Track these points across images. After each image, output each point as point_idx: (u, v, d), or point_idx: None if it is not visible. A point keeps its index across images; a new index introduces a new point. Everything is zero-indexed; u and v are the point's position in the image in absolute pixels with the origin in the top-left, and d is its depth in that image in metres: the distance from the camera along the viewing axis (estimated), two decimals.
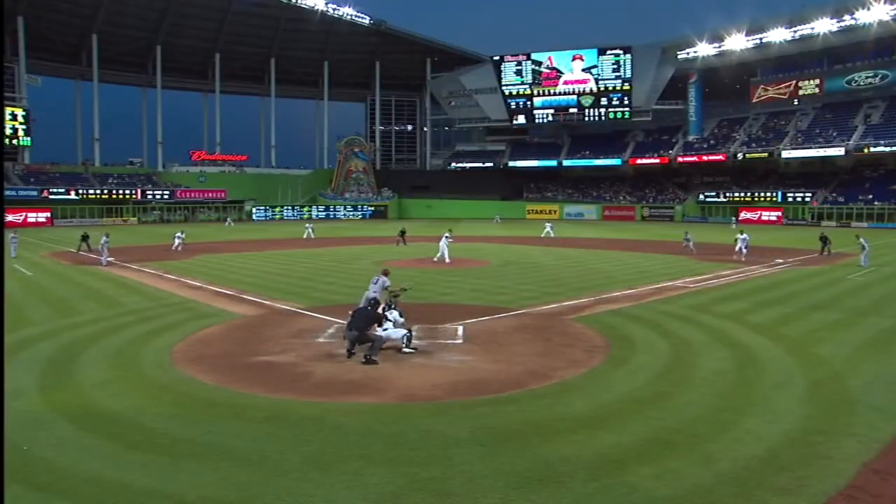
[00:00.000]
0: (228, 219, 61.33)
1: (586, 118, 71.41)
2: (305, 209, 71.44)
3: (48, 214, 55.72)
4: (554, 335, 10.39)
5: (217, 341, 10.29)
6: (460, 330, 10.84)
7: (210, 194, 68.91)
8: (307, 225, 38.99)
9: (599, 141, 74.34)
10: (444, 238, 24.39)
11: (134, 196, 62.07)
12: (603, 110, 70.48)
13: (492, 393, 7.27)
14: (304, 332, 10.90)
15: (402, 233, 32.35)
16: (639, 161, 69.67)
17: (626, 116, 69.92)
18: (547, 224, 40.86)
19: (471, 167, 78.31)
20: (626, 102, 69.45)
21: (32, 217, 54.34)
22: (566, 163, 73.92)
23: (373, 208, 75.01)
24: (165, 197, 64.68)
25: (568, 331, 10.74)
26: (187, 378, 8.16)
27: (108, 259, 22.45)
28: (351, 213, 74.92)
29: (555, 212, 72.05)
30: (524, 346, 9.63)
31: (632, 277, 18.31)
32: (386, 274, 11.88)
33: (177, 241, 27.97)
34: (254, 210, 70.37)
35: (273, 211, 72.33)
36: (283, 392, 7.46)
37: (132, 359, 9.14)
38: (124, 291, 15.77)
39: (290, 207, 73.59)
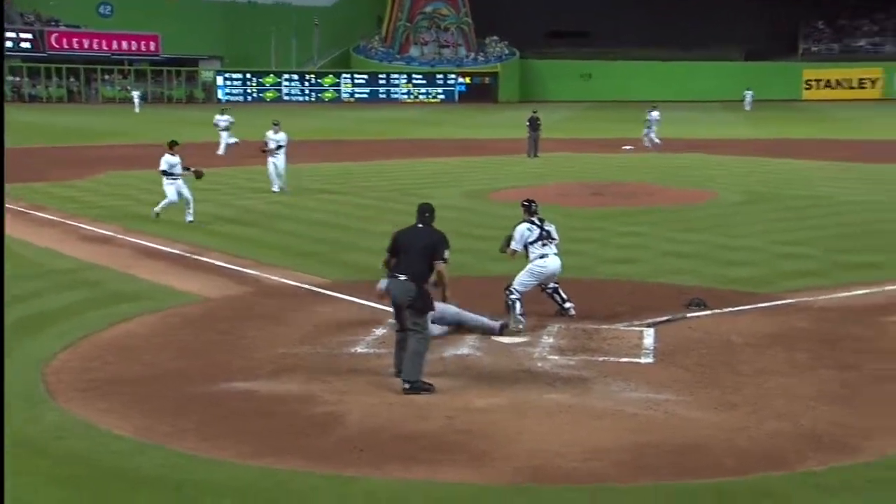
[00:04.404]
0: (135, 94, 63.55)
1: None
2: (327, 79, 70.48)
3: None
4: (864, 357, 10.11)
5: (147, 349, 10.33)
6: (649, 337, 10.80)
7: (125, 43, 72.64)
8: (220, 119, 35.29)
9: None
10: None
11: None
12: None
13: (720, 475, 7.06)
14: (325, 330, 11.09)
15: (534, 122, 33.72)
16: None
17: None
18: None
19: None
20: None
21: None
22: None
23: (466, 81, 74.58)
24: (28, 48, 69.63)
25: None
26: (82, 425, 8.11)
27: None
28: (422, 91, 74.72)
29: (874, 82, 69.46)
30: (792, 378, 9.45)
31: None
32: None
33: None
34: (220, 81, 73.06)
35: (259, 83, 74.19)
36: (281, 455, 7.42)
37: None
38: None
39: (295, 77, 74.89)
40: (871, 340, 10.52)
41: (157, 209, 18.34)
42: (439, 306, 9.59)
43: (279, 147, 23.22)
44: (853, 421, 7.99)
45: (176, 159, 18.07)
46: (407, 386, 8.71)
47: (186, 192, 18.15)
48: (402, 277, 8.86)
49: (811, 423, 7.92)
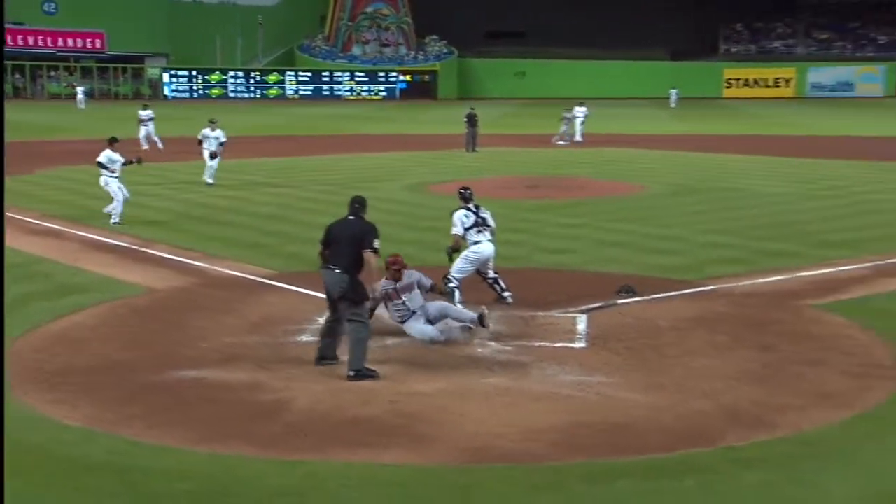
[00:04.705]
0: (79, 90, 61.53)
1: None
2: (271, 77, 70.03)
3: None
4: (779, 339, 10.18)
5: (95, 340, 10.16)
6: (582, 322, 10.76)
7: (70, 40, 71.07)
8: (142, 114, 34.03)
9: None
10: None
11: None
12: None
13: (647, 452, 7.07)
14: (272, 320, 10.90)
15: (472, 118, 33.66)
16: None
17: None
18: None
19: None
20: None
21: None
22: None
23: (407, 79, 74.22)
24: None
25: (811, 331, 10.60)
26: (30, 415, 7.97)
27: None
28: (364, 89, 74.10)
29: (787, 81, 70.46)
30: (714, 360, 9.46)
31: None
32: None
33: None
34: (166, 78, 71.36)
35: (205, 80, 72.79)
36: (228, 441, 7.29)
37: None
38: None
39: (240, 74, 73.73)
40: (786, 323, 10.68)
41: (115, 219, 17.16)
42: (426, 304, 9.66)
43: (221, 144, 23.06)
44: (770, 399, 8.12)
45: (117, 156, 17.44)
46: (352, 373, 8.62)
47: (125, 192, 17.35)
48: (335, 269, 8.74)
49: (732, 402, 8.02)
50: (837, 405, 7.98)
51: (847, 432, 7.38)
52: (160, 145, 32.43)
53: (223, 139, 23.14)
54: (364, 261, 8.66)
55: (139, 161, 18.63)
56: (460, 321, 9.96)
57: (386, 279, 9.72)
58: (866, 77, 78.63)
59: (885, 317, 10.78)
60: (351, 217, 9.07)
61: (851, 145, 35.70)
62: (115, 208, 17.18)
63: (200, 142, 23.44)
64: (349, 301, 8.71)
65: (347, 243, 8.78)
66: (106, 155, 17.32)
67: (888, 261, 14.05)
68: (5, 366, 8.74)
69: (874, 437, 7.30)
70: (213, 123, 23.41)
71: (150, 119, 33.25)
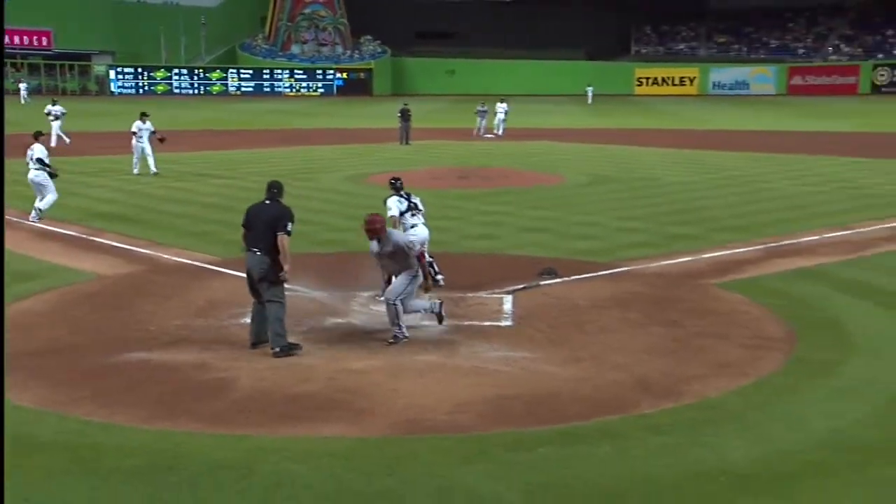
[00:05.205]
0: (23, 86, 59.27)
1: None
2: (214, 74, 69.02)
3: None
4: (685, 315, 10.22)
5: (44, 325, 9.90)
6: (508, 302, 10.70)
7: (17, 38, 68.73)
8: (51, 109, 32.37)
9: None
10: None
11: None
12: None
13: (567, 421, 7.11)
14: (217, 304, 10.68)
15: (405, 114, 33.55)
16: None
17: None
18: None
19: None
20: None
21: None
22: None
23: (344, 76, 73.26)
24: None
25: (713, 308, 10.62)
26: None
27: None
28: (304, 85, 72.90)
29: (692, 80, 71.01)
30: (628, 335, 9.46)
31: (846, 207, 18.25)
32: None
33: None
34: (112, 75, 69.17)
35: (150, 77, 70.62)
36: (175, 418, 7.14)
37: None
38: None
39: (185, 72, 71.80)
40: (691, 301, 10.76)
41: (37, 214, 16.06)
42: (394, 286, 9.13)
43: (152, 133, 22.84)
44: (677, 370, 8.20)
45: (44, 150, 16.48)
46: (277, 349, 8.53)
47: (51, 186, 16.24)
48: (256, 251, 8.58)
49: (643, 373, 8.08)
50: (735, 374, 8.10)
51: (743, 399, 7.50)
52: (66, 140, 31.08)
53: (152, 129, 22.99)
54: (278, 243, 8.51)
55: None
56: (415, 311, 9.54)
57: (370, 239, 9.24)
58: (759, 77, 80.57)
59: (775, 294, 10.94)
60: (268, 201, 8.86)
61: (747, 138, 36.47)
62: (48, 201, 16.27)
63: (134, 134, 22.93)
64: (269, 282, 8.56)
65: (263, 226, 8.61)
66: (41, 150, 16.38)
67: (779, 243, 14.29)
68: None
69: (767, 402, 7.44)
70: (144, 116, 22.96)
71: (62, 114, 31.85)
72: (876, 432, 6.87)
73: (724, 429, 6.86)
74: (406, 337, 8.96)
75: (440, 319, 9.35)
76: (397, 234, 9.52)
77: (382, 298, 9.36)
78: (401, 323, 8.97)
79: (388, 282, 9.48)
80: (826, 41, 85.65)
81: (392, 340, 8.92)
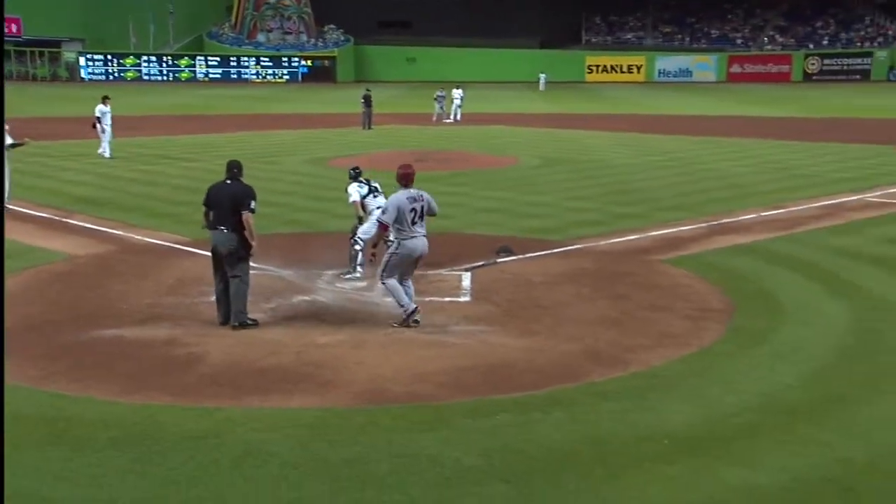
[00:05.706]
0: None
1: None
2: (183, 61, 67.71)
3: None
4: (633, 289, 10.29)
5: (18, 303, 9.65)
6: (466, 279, 10.70)
7: None
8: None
9: None
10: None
11: None
12: None
13: (523, 389, 7.11)
14: (187, 283, 10.55)
15: (368, 100, 33.41)
16: None
17: None
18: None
19: None
20: None
21: None
22: None
23: (308, 64, 72.32)
24: None
25: (658, 282, 10.67)
26: None
27: None
28: (269, 72, 71.72)
29: (639, 68, 70.56)
30: (579, 308, 9.50)
31: (779, 187, 18.48)
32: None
33: None
34: (82, 61, 67.42)
35: (120, 63, 68.93)
36: (147, 392, 7.06)
37: None
38: None
39: (154, 59, 69.95)
40: (639, 276, 10.87)
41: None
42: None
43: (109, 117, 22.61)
44: (625, 340, 8.30)
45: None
46: (236, 324, 8.47)
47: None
48: (224, 229, 8.47)
49: (593, 344, 8.16)
50: (679, 344, 8.20)
51: (686, 366, 7.60)
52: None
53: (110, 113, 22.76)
54: (243, 221, 8.43)
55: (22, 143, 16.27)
56: (392, 296, 8.92)
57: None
58: (701, 66, 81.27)
59: (716, 269, 11.07)
60: (228, 181, 8.73)
61: (690, 123, 36.80)
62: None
63: (99, 119, 22.45)
64: (237, 258, 8.46)
65: (227, 205, 8.49)
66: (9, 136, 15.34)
67: (719, 221, 14.46)
68: None
69: (707, 369, 7.55)
70: (106, 99, 22.61)
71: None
72: (802, 394, 7.03)
73: (667, 395, 6.95)
74: (415, 307, 8.64)
75: (407, 322, 8.61)
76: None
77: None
78: (399, 299, 8.62)
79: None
80: (762, 32, 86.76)
81: (406, 318, 8.54)
